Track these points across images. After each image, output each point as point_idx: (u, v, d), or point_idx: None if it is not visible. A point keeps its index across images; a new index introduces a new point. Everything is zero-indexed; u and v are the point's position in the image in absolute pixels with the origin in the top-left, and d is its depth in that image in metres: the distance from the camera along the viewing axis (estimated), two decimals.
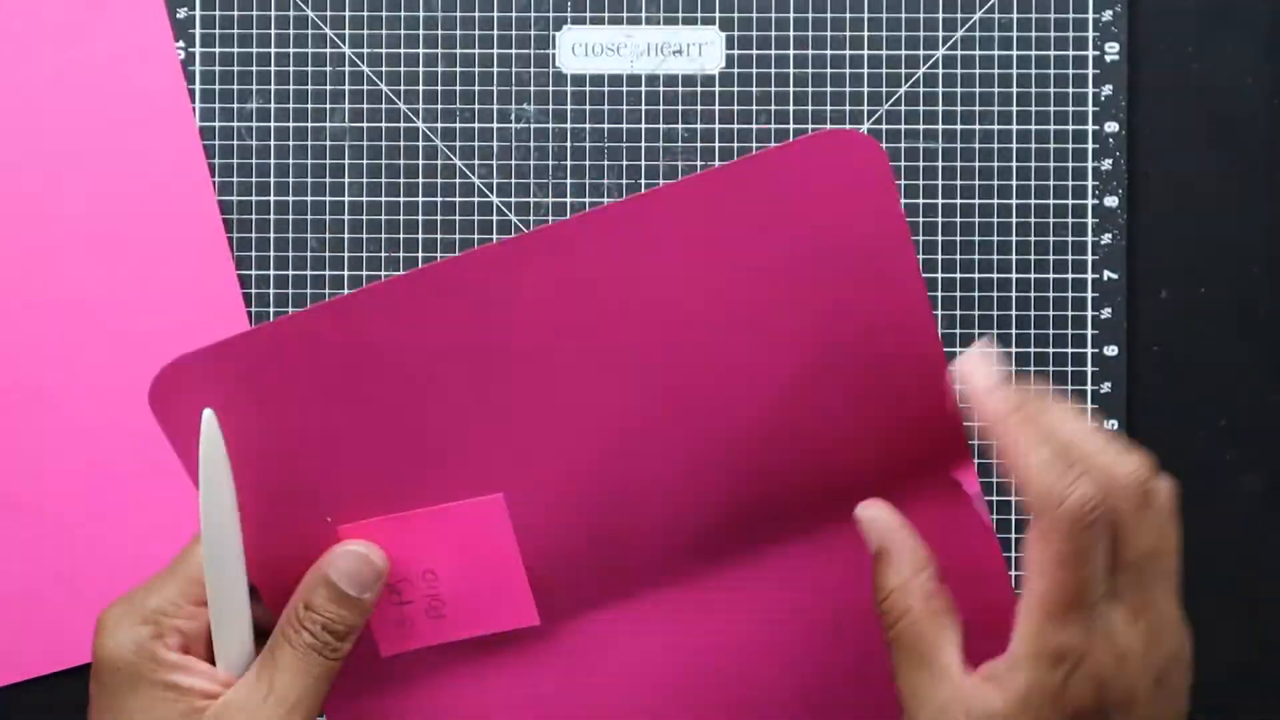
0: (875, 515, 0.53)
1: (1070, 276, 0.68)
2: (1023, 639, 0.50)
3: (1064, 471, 0.49)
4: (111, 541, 0.66)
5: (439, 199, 0.68)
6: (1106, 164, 0.68)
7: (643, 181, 0.68)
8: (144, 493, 0.66)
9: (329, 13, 0.68)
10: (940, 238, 0.68)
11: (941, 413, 0.53)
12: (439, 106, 0.68)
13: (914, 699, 0.51)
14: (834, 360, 0.52)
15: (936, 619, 0.51)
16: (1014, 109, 0.68)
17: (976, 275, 0.68)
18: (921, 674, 0.51)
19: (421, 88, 0.68)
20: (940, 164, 0.68)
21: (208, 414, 0.52)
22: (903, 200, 0.68)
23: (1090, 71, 0.68)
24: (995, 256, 0.68)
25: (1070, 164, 0.68)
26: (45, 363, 0.67)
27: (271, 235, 0.68)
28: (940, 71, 0.68)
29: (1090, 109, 0.68)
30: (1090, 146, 0.68)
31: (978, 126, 0.68)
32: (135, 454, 0.66)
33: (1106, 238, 0.68)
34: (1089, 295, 0.68)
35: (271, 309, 0.68)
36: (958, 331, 0.68)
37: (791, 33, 0.68)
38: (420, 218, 0.68)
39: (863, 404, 0.53)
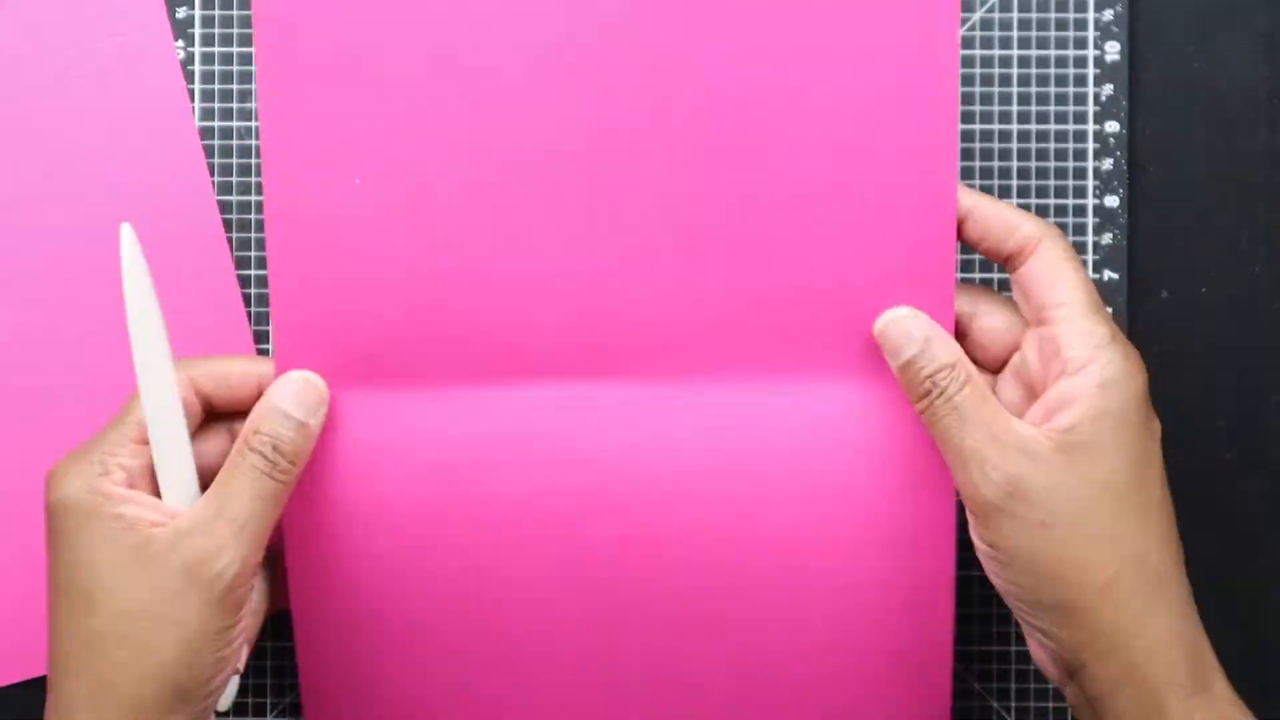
0: (906, 314, 0.58)
1: None
2: (1078, 337, 0.56)
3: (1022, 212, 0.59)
4: None
5: None
6: (1107, 164, 0.68)
7: None
8: None
9: None
10: None
11: (935, 241, 0.57)
12: None
13: (996, 450, 0.56)
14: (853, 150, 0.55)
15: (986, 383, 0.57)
16: (1014, 108, 0.68)
17: (976, 275, 0.68)
18: (998, 419, 0.56)
19: None
20: None
21: (126, 230, 0.56)
22: None
23: (1090, 71, 0.68)
24: None
25: (1071, 164, 0.68)
26: (44, 363, 0.67)
27: None
28: None
29: (1090, 109, 0.68)
30: (1091, 146, 0.68)
31: (978, 126, 0.68)
32: None
33: (1107, 238, 0.68)
34: None
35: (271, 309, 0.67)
36: None
37: None
38: None
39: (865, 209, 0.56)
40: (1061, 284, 0.57)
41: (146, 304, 0.57)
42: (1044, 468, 0.55)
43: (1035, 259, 0.58)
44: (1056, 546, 0.55)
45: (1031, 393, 0.59)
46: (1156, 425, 0.57)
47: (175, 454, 0.57)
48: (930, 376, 0.57)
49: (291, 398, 0.57)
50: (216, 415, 0.60)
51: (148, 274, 0.56)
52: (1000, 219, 0.58)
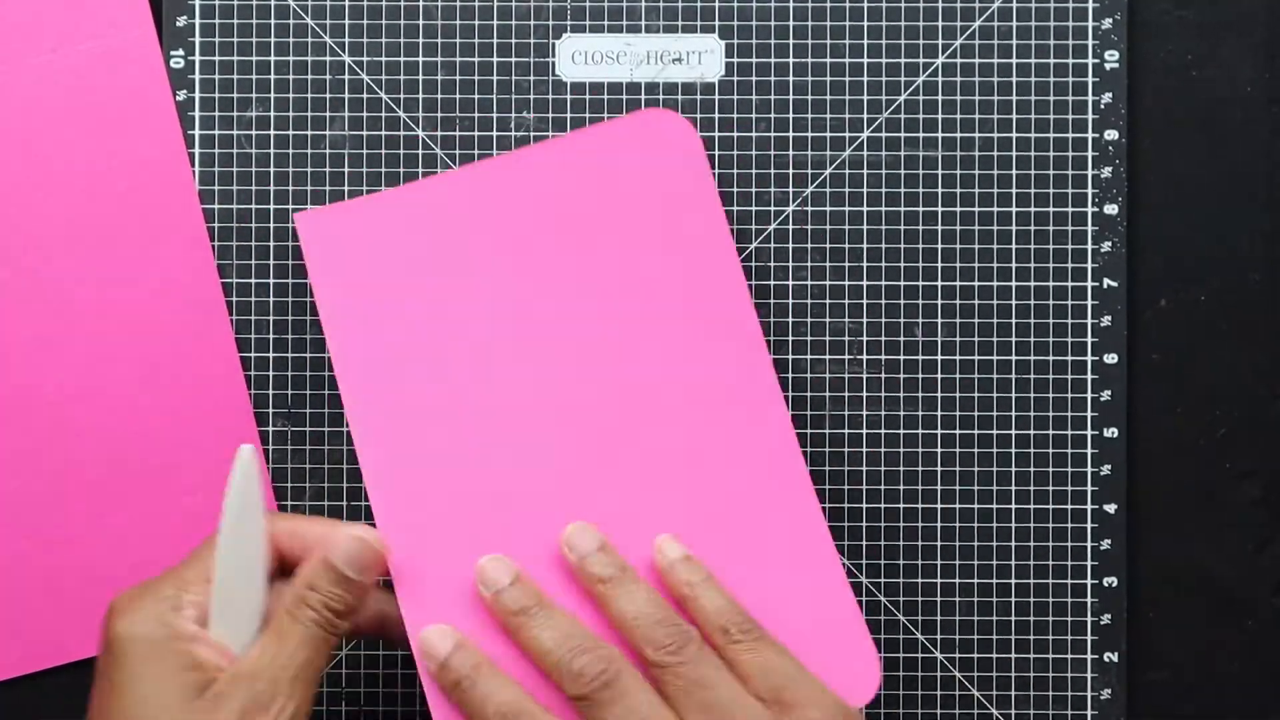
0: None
1: (1070, 284, 0.68)
2: None
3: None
4: (96, 541, 0.66)
5: None
6: (1106, 172, 0.68)
7: None
8: (129, 493, 0.66)
9: (329, 21, 0.68)
10: (940, 246, 0.68)
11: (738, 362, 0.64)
12: (439, 114, 0.68)
13: None
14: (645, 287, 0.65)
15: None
16: (1014, 117, 0.68)
17: (976, 283, 0.68)
18: None
19: (421, 96, 0.68)
20: (940, 171, 0.68)
21: (245, 451, 0.59)
22: (902, 207, 0.68)
23: (1090, 80, 0.68)
24: (995, 264, 0.68)
25: (1070, 172, 0.68)
26: (29, 365, 0.66)
27: (271, 244, 0.68)
28: (940, 79, 0.68)
29: (1090, 117, 0.68)
30: (1090, 154, 0.68)
31: (977, 134, 0.68)
32: (116, 457, 0.66)
33: (1106, 246, 0.68)
34: (1089, 303, 0.68)
35: (272, 317, 0.67)
36: (958, 339, 0.68)
37: (791, 41, 0.68)
38: None
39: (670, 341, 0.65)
40: None
41: (251, 500, 0.59)
42: None
43: None
44: None
45: None
46: None
47: (247, 598, 0.58)
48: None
49: (347, 556, 0.59)
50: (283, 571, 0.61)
51: (256, 478, 0.59)
52: None
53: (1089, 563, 0.68)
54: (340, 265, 0.64)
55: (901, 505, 0.68)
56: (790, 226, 0.68)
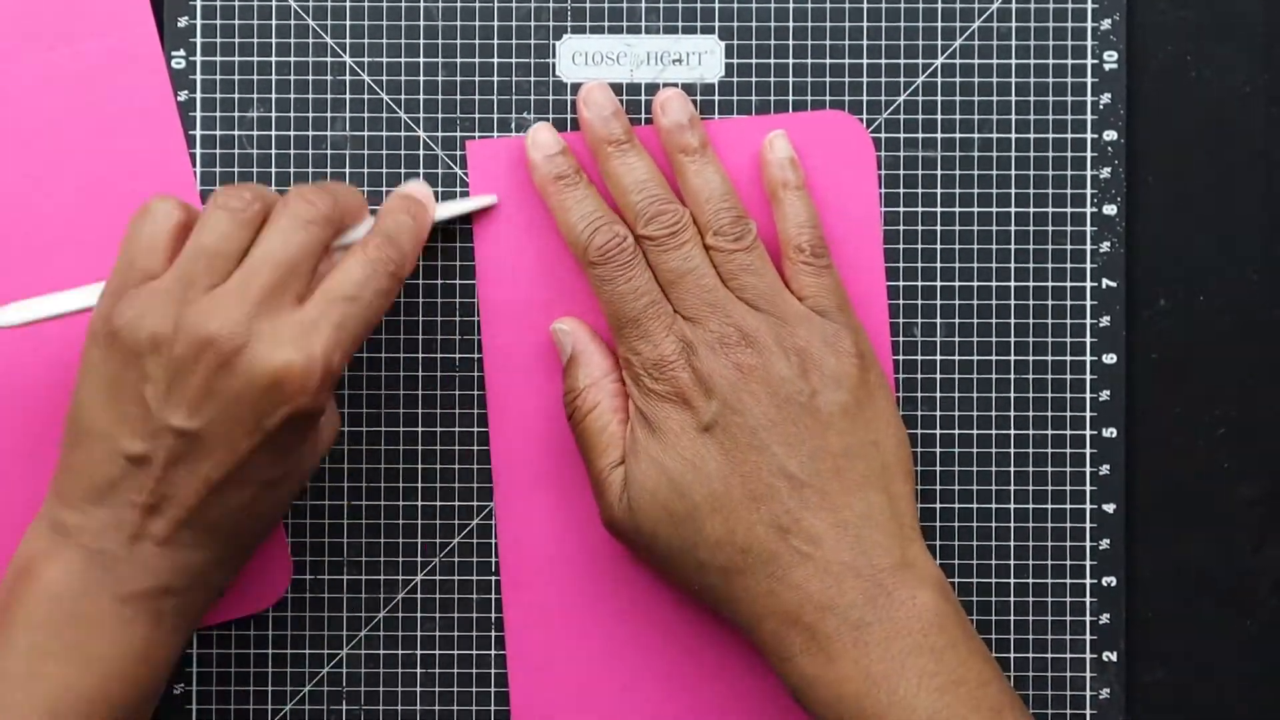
0: (567, 327, 0.66)
1: (1069, 284, 0.68)
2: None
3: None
4: None
5: None
6: (1105, 172, 0.68)
7: None
8: None
9: (329, 22, 0.68)
10: (939, 246, 0.68)
11: None
12: (439, 115, 0.68)
13: (606, 475, 0.64)
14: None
15: (620, 413, 0.64)
16: (1013, 117, 0.68)
17: (975, 283, 0.68)
18: (610, 454, 0.64)
19: (422, 96, 0.68)
20: (939, 172, 0.68)
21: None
22: (901, 208, 0.68)
23: (1089, 80, 0.68)
24: (994, 265, 0.68)
25: (1069, 172, 0.68)
26: (30, 365, 0.67)
27: None
28: (939, 80, 0.68)
29: (1089, 117, 0.68)
30: (1089, 155, 0.68)
31: (976, 135, 0.68)
32: None
33: (1105, 246, 0.68)
34: (1088, 303, 0.68)
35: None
36: (956, 339, 0.68)
37: (791, 41, 0.68)
38: None
39: None
40: None
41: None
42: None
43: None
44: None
45: None
46: None
47: None
48: (566, 395, 0.65)
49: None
50: None
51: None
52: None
53: (1088, 562, 0.68)
54: (498, 192, 0.68)
55: None
56: None
